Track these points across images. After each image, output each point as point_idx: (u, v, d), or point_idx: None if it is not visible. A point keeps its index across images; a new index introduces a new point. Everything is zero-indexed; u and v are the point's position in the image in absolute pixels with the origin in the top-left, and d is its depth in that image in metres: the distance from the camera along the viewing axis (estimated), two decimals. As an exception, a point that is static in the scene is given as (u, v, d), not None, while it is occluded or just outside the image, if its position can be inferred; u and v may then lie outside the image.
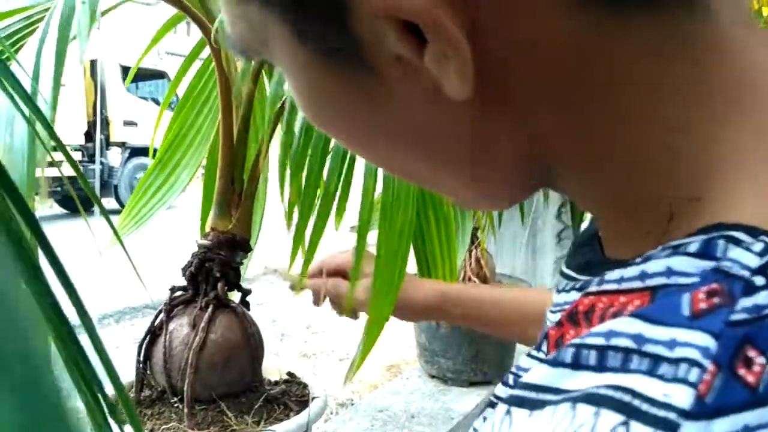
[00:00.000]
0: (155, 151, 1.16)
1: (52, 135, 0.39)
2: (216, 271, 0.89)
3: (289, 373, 0.99)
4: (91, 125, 8.57)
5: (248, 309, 0.93)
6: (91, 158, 8.55)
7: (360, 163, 0.79)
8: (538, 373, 0.24)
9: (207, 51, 1.08)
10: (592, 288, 0.26)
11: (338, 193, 0.74)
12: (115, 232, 0.56)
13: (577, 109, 0.26)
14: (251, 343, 0.90)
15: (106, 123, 8.75)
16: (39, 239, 0.27)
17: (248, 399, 0.89)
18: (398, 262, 0.80)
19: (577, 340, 0.23)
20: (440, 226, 0.90)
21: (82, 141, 8.42)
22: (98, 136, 8.57)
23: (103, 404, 0.29)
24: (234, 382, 0.89)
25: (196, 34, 0.98)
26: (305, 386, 0.95)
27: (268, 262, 0.86)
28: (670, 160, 0.25)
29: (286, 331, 3.79)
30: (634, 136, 0.26)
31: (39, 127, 0.49)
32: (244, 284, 0.95)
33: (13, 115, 0.46)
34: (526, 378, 0.24)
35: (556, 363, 0.23)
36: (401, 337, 2.04)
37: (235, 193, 0.90)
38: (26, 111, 0.44)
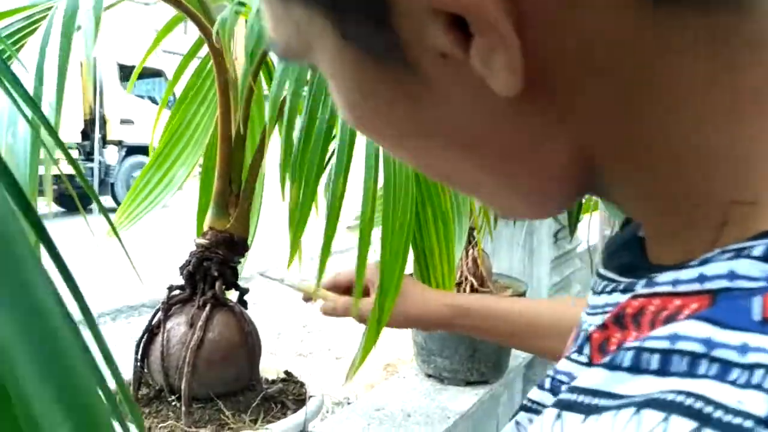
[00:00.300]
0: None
1: (54, 135, 0.39)
2: (214, 270, 0.89)
3: (286, 372, 0.99)
4: (88, 123, 8.54)
5: (246, 308, 0.94)
6: (88, 156, 8.53)
7: (359, 163, 0.79)
8: (591, 377, 0.23)
9: (204, 50, 1.08)
10: (641, 290, 0.25)
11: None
12: (114, 230, 0.57)
13: (625, 108, 0.25)
14: (249, 342, 0.90)
15: (103, 121, 8.73)
16: (41, 237, 0.28)
17: (245, 397, 0.89)
18: (398, 260, 0.80)
19: (636, 343, 0.22)
20: (438, 225, 0.90)
21: (78, 139, 8.40)
22: (97, 134, 8.55)
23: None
24: (231, 381, 0.89)
25: (193, 32, 0.98)
26: (302, 385, 0.95)
27: (275, 272, 0.87)
28: (719, 161, 0.25)
29: (282, 329, 3.79)
30: (682, 137, 0.25)
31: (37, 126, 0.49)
32: (240, 283, 0.95)
33: (15, 115, 0.46)
34: (578, 382, 0.24)
35: (612, 366, 0.23)
36: (398, 336, 2.04)
37: (233, 193, 0.91)
38: (27, 111, 0.44)
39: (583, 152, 0.27)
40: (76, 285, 0.29)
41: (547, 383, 0.30)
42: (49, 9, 0.60)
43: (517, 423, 0.32)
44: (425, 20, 0.24)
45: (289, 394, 0.93)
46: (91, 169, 8.36)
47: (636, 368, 0.22)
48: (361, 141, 0.79)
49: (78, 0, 0.56)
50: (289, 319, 3.92)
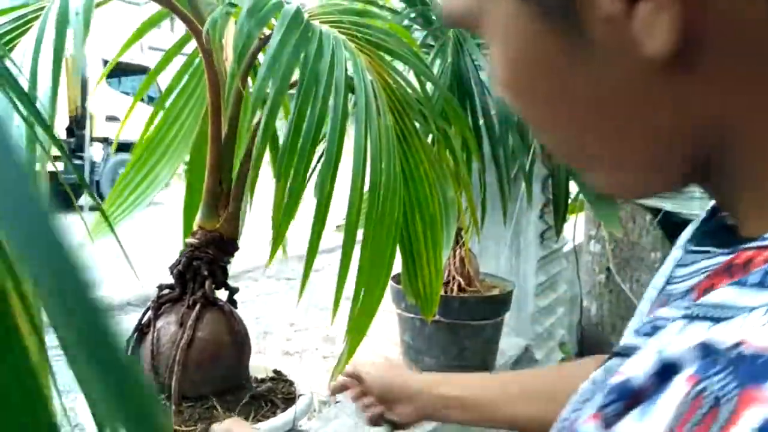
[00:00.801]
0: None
1: (51, 136, 0.39)
2: (204, 269, 0.89)
3: (275, 371, 1.00)
4: (73, 120, 8.47)
5: (235, 307, 0.94)
6: (74, 153, 8.45)
7: (347, 165, 0.80)
8: (720, 294, 0.27)
9: (188, 47, 1.08)
10: (752, 245, 0.29)
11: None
12: (110, 225, 0.57)
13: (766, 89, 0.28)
14: (238, 341, 0.91)
15: (88, 118, 8.65)
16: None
17: (235, 396, 0.90)
18: (385, 261, 0.81)
19: (764, 267, 0.26)
20: (426, 227, 0.91)
21: (64, 136, 8.33)
22: (87, 131, 8.47)
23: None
24: (221, 380, 0.90)
25: (180, 30, 0.98)
26: (291, 384, 0.96)
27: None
28: None
29: (270, 329, 3.78)
30: None
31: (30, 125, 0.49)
32: (229, 282, 0.96)
33: (10, 116, 0.46)
34: (706, 298, 0.27)
35: (740, 284, 0.26)
36: (385, 335, 2.05)
37: (223, 193, 0.91)
38: (23, 111, 0.44)
39: (718, 126, 0.29)
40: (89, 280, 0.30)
41: (647, 328, 0.32)
42: (41, 9, 0.61)
43: (607, 370, 0.34)
44: None
45: (279, 393, 0.93)
46: (78, 166, 8.29)
47: (763, 284, 0.25)
48: (349, 142, 0.80)
49: (70, 1, 0.56)
50: (276, 317, 3.92)
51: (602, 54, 0.29)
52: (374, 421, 0.89)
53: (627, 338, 0.34)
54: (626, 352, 0.33)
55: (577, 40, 0.29)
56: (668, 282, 0.37)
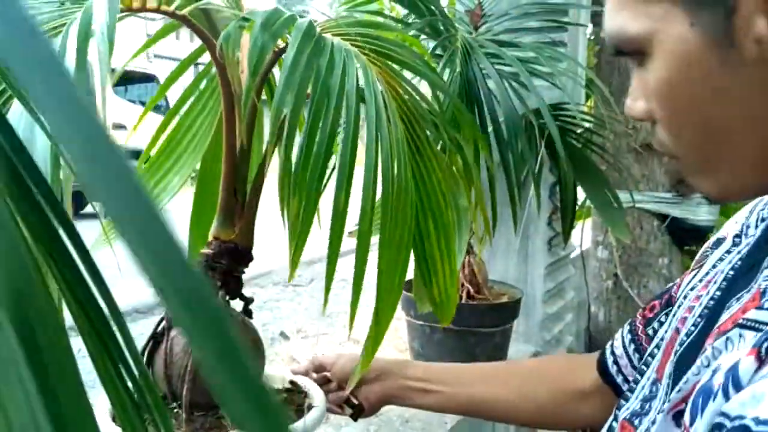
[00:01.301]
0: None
1: (57, 145, 0.40)
2: (218, 279, 0.90)
3: (291, 382, 1.00)
4: (80, 128, 8.50)
5: (250, 317, 0.95)
6: (79, 161, 8.48)
7: (358, 175, 0.80)
8: None
9: (200, 58, 1.09)
10: None
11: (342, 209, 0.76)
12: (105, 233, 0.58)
13: None
14: (252, 351, 0.91)
15: (94, 126, 8.69)
16: (73, 240, 0.29)
17: (249, 406, 0.90)
18: (399, 268, 0.82)
19: None
20: (440, 234, 0.92)
21: (70, 144, 8.37)
22: None
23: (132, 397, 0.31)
24: (235, 389, 0.90)
25: (186, 38, 0.98)
26: (306, 395, 0.96)
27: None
28: None
29: (277, 336, 3.79)
30: None
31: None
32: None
33: (31, 132, 0.47)
34: None
35: None
36: (394, 342, 2.06)
37: (237, 204, 0.92)
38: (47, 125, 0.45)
39: None
40: (106, 285, 0.30)
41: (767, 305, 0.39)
42: (63, 25, 0.62)
43: (728, 338, 0.40)
44: (755, 11, 0.35)
45: (293, 404, 0.94)
46: (83, 174, 8.31)
47: None
48: (361, 154, 0.81)
49: (90, 22, 0.57)
50: (284, 325, 3.92)
51: (746, 68, 0.36)
52: (336, 407, 0.94)
53: (751, 312, 0.40)
54: (749, 325, 0.39)
55: (729, 57, 0.36)
56: (756, 281, 0.44)
